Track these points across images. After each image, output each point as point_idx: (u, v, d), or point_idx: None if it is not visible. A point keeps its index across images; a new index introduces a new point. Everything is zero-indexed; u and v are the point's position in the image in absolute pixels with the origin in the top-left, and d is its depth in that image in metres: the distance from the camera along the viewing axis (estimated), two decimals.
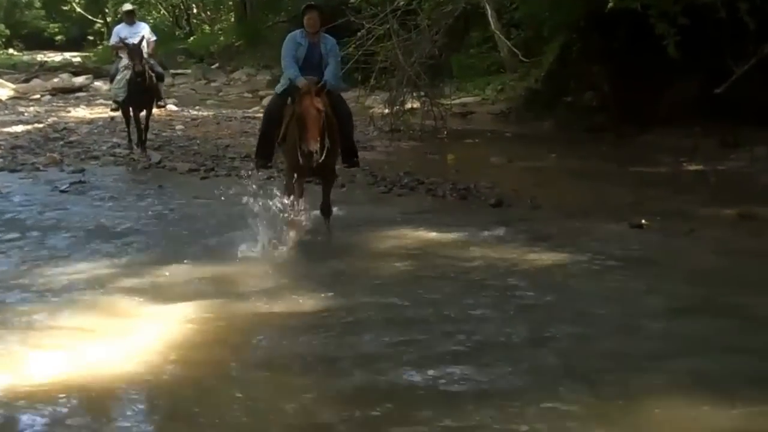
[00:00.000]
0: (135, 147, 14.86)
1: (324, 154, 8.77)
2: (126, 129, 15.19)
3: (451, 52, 18.86)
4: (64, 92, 24.27)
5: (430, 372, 6.02)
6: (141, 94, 14.33)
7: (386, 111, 16.94)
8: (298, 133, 8.65)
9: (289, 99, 9.16)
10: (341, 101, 9.57)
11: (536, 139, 15.30)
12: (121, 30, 15.03)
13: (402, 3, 16.67)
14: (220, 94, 23.84)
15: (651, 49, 14.42)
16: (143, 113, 14.90)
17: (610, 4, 13.46)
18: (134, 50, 14.28)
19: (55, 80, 25.65)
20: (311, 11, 9.31)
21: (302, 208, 9.05)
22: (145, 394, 5.76)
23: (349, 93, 20.08)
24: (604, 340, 6.56)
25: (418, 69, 16.60)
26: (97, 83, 25.75)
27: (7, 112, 20.49)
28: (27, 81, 26.04)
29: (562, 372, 5.98)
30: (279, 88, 9.55)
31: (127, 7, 15.68)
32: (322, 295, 7.69)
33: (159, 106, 15.29)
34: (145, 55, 14.52)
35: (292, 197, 9.00)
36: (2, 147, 15.33)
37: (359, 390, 5.77)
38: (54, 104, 22.13)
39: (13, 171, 13.34)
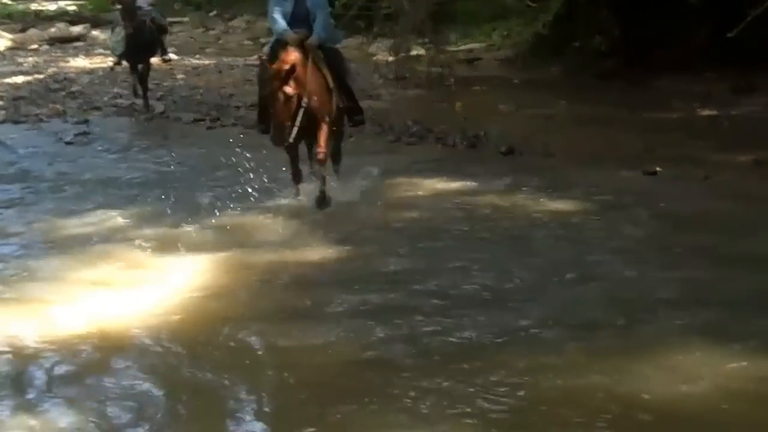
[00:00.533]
0: (136, 97, 14.66)
1: (294, 132, 8.16)
2: (130, 79, 14.93)
3: None
4: (62, 42, 24.14)
5: (446, 320, 6.19)
6: (139, 48, 13.88)
7: (391, 58, 16.89)
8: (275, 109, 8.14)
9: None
10: (337, 55, 9.10)
11: (545, 85, 15.29)
12: None
13: None
14: (220, 42, 23.75)
15: None
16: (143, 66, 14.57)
17: None
18: (127, 8, 13.69)
19: (52, 30, 25.41)
20: None
21: (300, 173, 8.86)
22: (161, 343, 5.91)
23: (352, 40, 20.10)
24: (613, 287, 6.69)
25: (424, 15, 16.54)
26: (95, 32, 25.61)
27: (5, 62, 20.45)
28: (23, 31, 25.85)
29: (566, 318, 6.16)
30: (266, 48, 9.22)
31: None
32: (335, 245, 7.86)
33: (164, 60, 14.89)
34: (147, 6, 14.06)
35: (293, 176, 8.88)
36: (4, 98, 15.35)
37: (373, 341, 5.91)
38: (52, 54, 22.05)
39: (16, 122, 13.40)
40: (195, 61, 19.83)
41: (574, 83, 15.19)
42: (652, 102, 13.45)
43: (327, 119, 8.61)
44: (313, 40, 8.66)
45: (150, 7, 14.21)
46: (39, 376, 5.46)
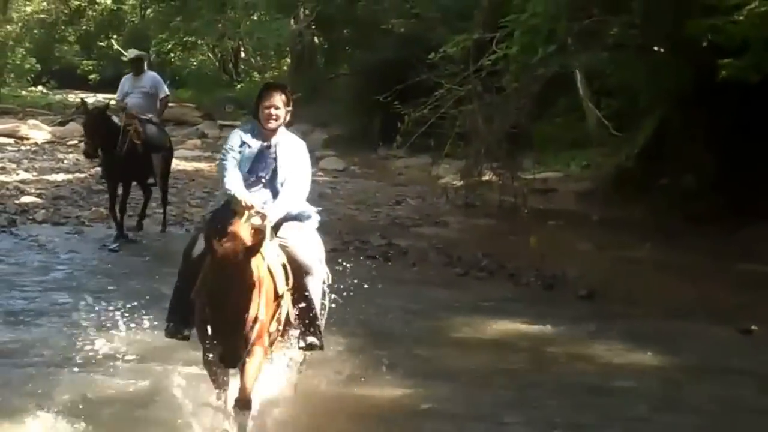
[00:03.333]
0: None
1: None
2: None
3: (534, 120, 19.04)
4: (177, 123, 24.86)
5: None
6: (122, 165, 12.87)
7: (459, 183, 17.19)
8: (210, 315, 6.15)
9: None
10: (301, 245, 6.94)
11: (627, 225, 15.42)
12: (125, 83, 13.63)
13: (487, 63, 16.85)
14: None
15: (765, 128, 14.47)
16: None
17: (723, 73, 13.45)
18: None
19: None
20: (274, 93, 6.98)
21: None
22: None
23: (418, 160, 20.54)
24: None
25: (499, 137, 16.84)
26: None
27: (45, 157, 21.13)
28: (63, 124, 26.70)
29: None
30: (210, 208, 7.37)
31: (132, 53, 14.45)
32: (393, 383, 8.05)
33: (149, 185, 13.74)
34: (150, 116, 13.29)
35: (218, 391, 6.75)
36: (44, 197, 15.87)
37: None
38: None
39: (57, 224, 13.77)
40: None
41: (660, 225, 15.29)
42: (748, 252, 13.47)
43: (265, 343, 6.54)
44: (274, 211, 6.71)
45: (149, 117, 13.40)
46: None
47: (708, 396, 7.95)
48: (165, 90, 13.77)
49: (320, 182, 18.83)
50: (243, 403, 6.42)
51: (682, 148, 16.69)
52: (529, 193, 17.37)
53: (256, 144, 6.95)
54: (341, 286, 10.65)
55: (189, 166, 20.34)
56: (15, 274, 11.10)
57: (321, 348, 7.19)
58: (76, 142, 24.35)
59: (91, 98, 34.41)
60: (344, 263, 11.85)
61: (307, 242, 7.06)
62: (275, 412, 7.08)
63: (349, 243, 13.38)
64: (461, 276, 12.02)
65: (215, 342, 6.09)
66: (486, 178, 17.51)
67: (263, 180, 6.96)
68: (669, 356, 8.96)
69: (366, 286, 11.06)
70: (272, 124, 6.92)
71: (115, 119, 13.02)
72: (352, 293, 10.56)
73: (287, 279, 6.75)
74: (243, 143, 6.95)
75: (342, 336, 9.11)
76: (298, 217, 7.07)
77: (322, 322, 7.21)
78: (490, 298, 10.91)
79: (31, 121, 25.83)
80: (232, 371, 6.53)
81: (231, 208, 6.76)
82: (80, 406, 6.95)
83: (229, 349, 6.01)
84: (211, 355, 6.26)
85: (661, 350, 9.09)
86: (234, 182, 6.83)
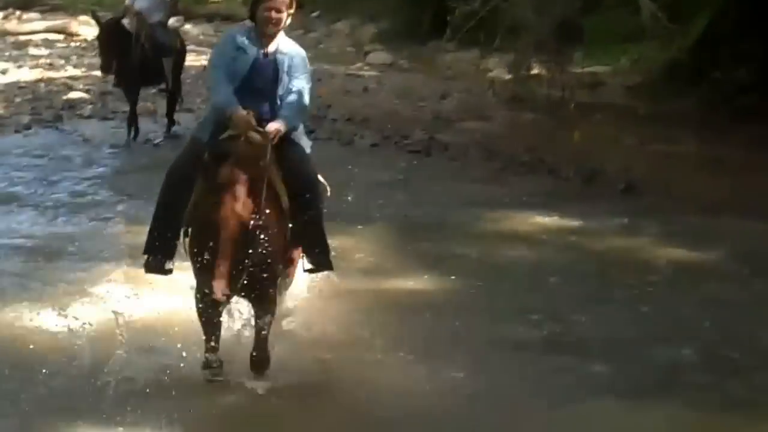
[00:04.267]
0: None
1: (242, 276, 5.73)
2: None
3: (585, 14, 18.78)
4: (225, 19, 24.85)
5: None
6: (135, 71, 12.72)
7: (508, 76, 17.08)
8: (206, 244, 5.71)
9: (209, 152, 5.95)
10: (303, 160, 6.49)
11: (675, 119, 15.25)
12: None
13: None
14: (320, 46, 24.14)
15: None
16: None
17: None
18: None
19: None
20: None
21: (218, 362, 6.17)
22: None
23: (468, 54, 20.38)
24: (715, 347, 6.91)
25: (549, 31, 16.65)
26: (187, 26, 26.32)
27: (94, 53, 21.18)
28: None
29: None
30: (199, 129, 6.58)
31: None
32: (428, 276, 8.25)
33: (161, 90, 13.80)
34: (158, 19, 13.00)
35: (208, 345, 6.14)
36: (92, 92, 16.07)
37: (466, 377, 6.31)
38: (208, 33, 22.90)
39: (103, 119, 13.94)
40: None
41: (709, 119, 15.16)
42: None
43: (275, 272, 6.14)
44: (277, 125, 6.10)
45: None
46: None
47: (739, 288, 8.03)
48: None
49: (366, 77, 18.92)
50: (258, 360, 6.20)
51: (736, 41, 16.47)
52: (577, 87, 17.23)
53: (252, 51, 6.23)
54: (378, 181, 10.91)
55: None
56: (59, 169, 11.37)
57: (330, 268, 6.63)
58: None
59: None
60: (384, 157, 12.15)
61: (307, 157, 6.55)
62: (307, 308, 7.24)
63: (389, 137, 13.47)
64: (500, 171, 12.07)
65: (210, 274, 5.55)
66: (534, 72, 17.39)
67: (261, 92, 6.25)
68: (703, 251, 9.02)
69: (403, 179, 11.32)
70: (272, 29, 6.20)
71: (125, 24, 12.77)
72: (389, 187, 10.81)
73: (293, 203, 6.23)
74: (238, 48, 6.23)
75: (376, 229, 9.31)
76: (297, 132, 6.49)
77: (326, 238, 6.55)
78: (528, 193, 11.00)
79: (82, 17, 25.87)
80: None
81: (226, 126, 6.13)
82: (113, 299, 7.13)
83: (222, 275, 5.49)
84: (206, 291, 5.66)
85: (696, 245, 9.16)
86: (226, 96, 6.16)
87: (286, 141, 6.25)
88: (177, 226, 6.12)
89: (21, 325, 6.90)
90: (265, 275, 5.93)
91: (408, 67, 20.43)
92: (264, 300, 6.13)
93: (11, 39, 22.52)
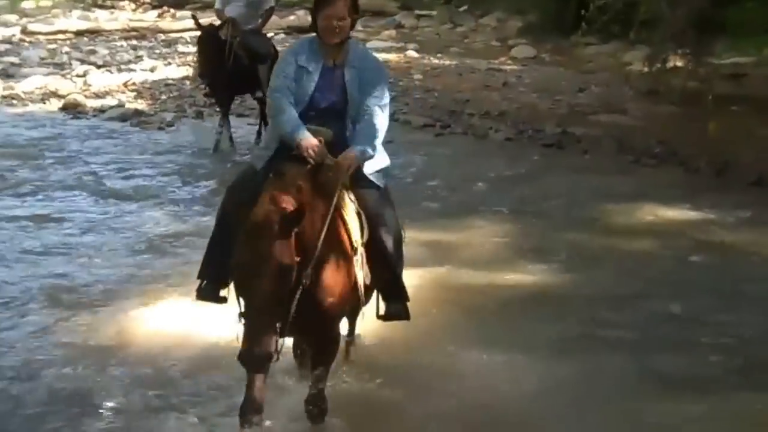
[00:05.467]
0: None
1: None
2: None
3: (726, 5, 18.54)
4: (299, 32, 25.23)
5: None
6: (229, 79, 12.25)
7: (645, 69, 17.00)
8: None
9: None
10: (380, 196, 5.67)
11: None
12: None
13: None
14: (466, 40, 24.33)
15: None
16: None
17: None
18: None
19: (291, 18, 26.48)
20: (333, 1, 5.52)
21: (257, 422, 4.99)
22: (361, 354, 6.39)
23: (612, 47, 20.33)
24: None
25: (685, 23, 16.52)
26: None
27: None
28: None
29: None
30: (258, 155, 5.76)
31: None
32: (547, 268, 8.34)
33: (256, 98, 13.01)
34: (251, 27, 12.51)
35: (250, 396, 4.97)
36: None
37: (584, 375, 6.29)
38: (287, 44, 23.17)
39: (239, 116, 14.33)
40: (435, 61, 20.57)
41: None
42: None
43: (338, 313, 5.38)
44: (351, 156, 5.38)
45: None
46: None
47: None
48: (271, 1, 12.78)
49: (507, 71, 19.04)
50: (315, 404, 5.39)
51: None
52: (716, 78, 17.05)
53: (316, 68, 5.51)
54: (508, 174, 11.10)
55: (378, 57, 20.68)
56: (196, 166, 11.80)
57: (406, 318, 5.83)
58: (272, 34, 24.89)
59: None
60: (516, 151, 12.33)
61: (387, 194, 5.76)
62: (419, 298, 7.32)
63: (524, 131, 13.58)
64: (632, 163, 12.04)
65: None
66: (672, 64, 17.26)
67: (329, 114, 5.51)
68: None
69: (533, 172, 11.48)
70: (335, 39, 5.48)
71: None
72: (518, 180, 10.99)
73: (362, 230, 5.43)
74: (300, 68, 5.49)
75: (501, 222, 9.51)
76: (378, 162, 5.63)
77: (403, 284, 5.81)
78: (658, 185, 10.98)
79: None
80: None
81: (285, 151, 5.41)
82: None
83: (253, 344, 4.61)
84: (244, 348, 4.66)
85: None
86: (290, 120, 5.40)
87: (358, 174, 5.50)
88: (227, 252, 5.12)
89: (158, 320, 7.01)
90: (324, 320, 5.21)
91: (550, 61, 20.49)
92: (322, 345, 5.39)
93: (162, 37, 23.27)
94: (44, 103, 15.74)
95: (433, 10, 30.15)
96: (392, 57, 20.59)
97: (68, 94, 15.87)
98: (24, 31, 23.96)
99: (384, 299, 5.78)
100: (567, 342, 6.80)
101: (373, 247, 5.49)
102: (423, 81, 18.01)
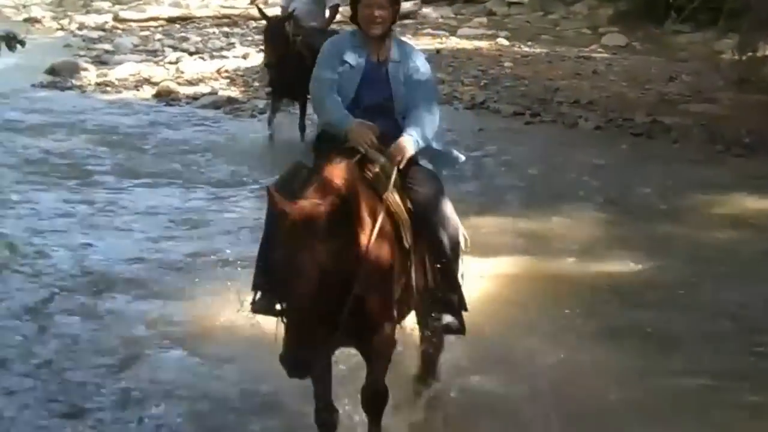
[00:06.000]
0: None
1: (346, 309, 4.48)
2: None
3: None
4: None
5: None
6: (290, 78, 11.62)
7: (735, 58, 16.85)
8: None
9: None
10: (437, 191, 5.30)
11: None
12: None
13: None
14: (557, 28, 24.22)
15: None
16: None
17: None
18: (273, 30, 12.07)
19: None
20: None
21: (333, 419, 5.01)
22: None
23: (705, 35, 20.17)
24: None
25: None
26: (426, 9, 26.80)
27: None
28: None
29: None
30: (304, 155, 5.50)
31: None
32: (638, 261, 8.32)
33: None
34: (315, 24, 12.21)
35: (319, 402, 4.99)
36: None
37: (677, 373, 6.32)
38: None
39: None
40: (526, 49, 20.57)
41: None
42: None
43: (391, 319, 4.93)
44: (405, 144, 5.13)
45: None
46: None
47: None
48: None
49: (597, 59, 18.97)
50: (372, 401, 5.00)
51: None
52: None
53: (359, 62, 5.27)
54: (596, 163, 11.18)
55: (469, 44, 20.77)
56: (284, 154, 11.49)
57: (460, 332, 5.43)
58: None
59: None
60: (605, 140, 12.38)
61: (441, 188, 5.33)
62: (510, 287, 7.57)
63: (612, 121, 13.59)
64: (721, 153, 12.01)
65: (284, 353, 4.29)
66: (762, 53, 17.05)
67: (375, 111, 5.25)
68: None
69: (621, 162, 11.54)
70: (376, 30, 5.25)
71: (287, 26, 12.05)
72: (606, 169, 11.07)
73: (421, 240, 5.09)
74: (343, 63, 5.26)
75: (588, 211, 9.62)
76: (438, 155, 5.46)
77: (461, 293, 5.38)
78: (748, 175, 10.94)
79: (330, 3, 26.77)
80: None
81: (334, 140, 5.14)
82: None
83: (291, 349, 4.25)
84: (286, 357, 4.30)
85: None
86: (337, 110, 5.19)
87: (413, 165, 5.23)
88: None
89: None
90: (376, 327, 4.82)
91: (641, 49, 20.36)
92: (376, 350, 4.94)
93: (254, 24, 23.54)
94: (138, 90, 16.07)
95: None
96: (483, 44, 20.69)
97: (161, 81, 16.19)
98: (116, 19, 24.35)
99: (436, 309, 5.29)
100: (655, 332, 6.84)
101: (426, 247, 5.11)
102: (513, 69, 18.00)
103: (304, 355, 4.26)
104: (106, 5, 27.44)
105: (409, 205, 5.08)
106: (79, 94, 15.83)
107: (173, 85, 15.97)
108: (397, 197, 5.00)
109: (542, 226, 9.16)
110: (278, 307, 4.79)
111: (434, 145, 5.39)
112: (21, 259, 8.16)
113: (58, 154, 11.89)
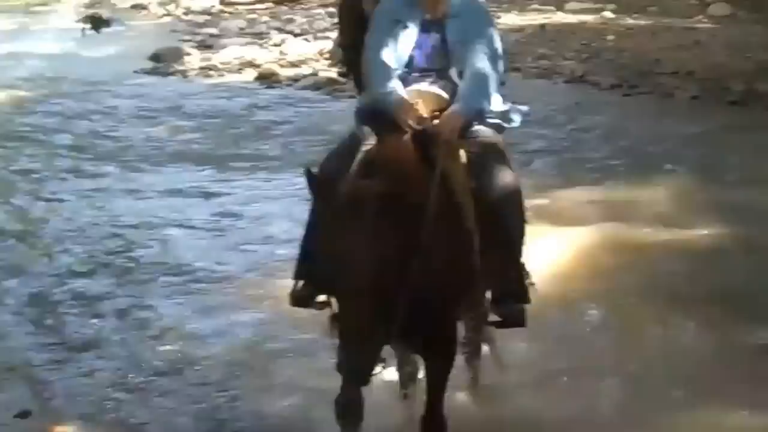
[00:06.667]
0: None
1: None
2: None
3: None
4: None
5: None
6: None
7: None
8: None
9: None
10: (496, 167, 4.72)
11: None
12: None
13: None
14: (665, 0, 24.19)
15: None
16: None
17: None
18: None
19: None
20: None
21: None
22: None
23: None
24: None
25: None
26: None
27: None
28: None
29: None
30: (355, 122, 4.95)
31: None
32: (724, 225, 8.50)
33: None
34: None
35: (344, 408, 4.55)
36: None
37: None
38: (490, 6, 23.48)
39: None
40: (630, 21, 20.54)
41: None
42: None
43: (455, 308, 4.56)
44: (457, 113, 4.64)
45: None
46: None
47: None
48: None
49: (701, 29, 18.90)
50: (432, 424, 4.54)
51: None
52: None
53: (414, 20, 4.79)
54: (688, 132, 11.31)
55: (574, 18, 20.83)
56: None
57: (521, 324, 4.82)
58: None
59: None
60: (701, 110, 12.44)
61: (505, 159, 4.80)
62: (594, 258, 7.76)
63: (709, 90, 13.64)
64: None
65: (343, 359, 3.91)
66: None
67: (432, 72, 4.84)
68: None
69: (715, 131, 11.62)
70: None
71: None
72: (698, 139, 11.19)
73: (485, 221, 4.53)
74: (397, 22, 4.79)
75: (678, 179, 9.84)
76: (490, 120, 4.87)
77: (524, 284, 4.84)
78: None
79: None
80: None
81: (382, 116, 4.63)
82: None
83: (349, 356, 3.86)
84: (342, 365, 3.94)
85: None
86: (386, 78, 4.70)
87: (471, 137, 4.71)
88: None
89: None
90: (439, 318, 4.36)
91: (746, 19, 20.19)
92: (438, 347, 4.51)
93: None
94: (240, 73, 16.29)
95: None
96: (588, 18, 20.72)
97: (264, 64, 16.40)
98: (222, 2, 24.36)
99: (494, 297, 4.77)
100: (747, 300, 6.88)
101: (486, 227, 4.52)
102: (616, 42, 18.02)
103: (365, 362, 3.85)
104: None
105: (472, 183, 4.59)
106: (181, 79, 16.18)
107: (275, 67, 16.14)
108: (454, 172, 4.51)
109: (632, 194, 9.40)
110: (322, 298, 4.57)
111: (487, 107, 4.80)
112: None
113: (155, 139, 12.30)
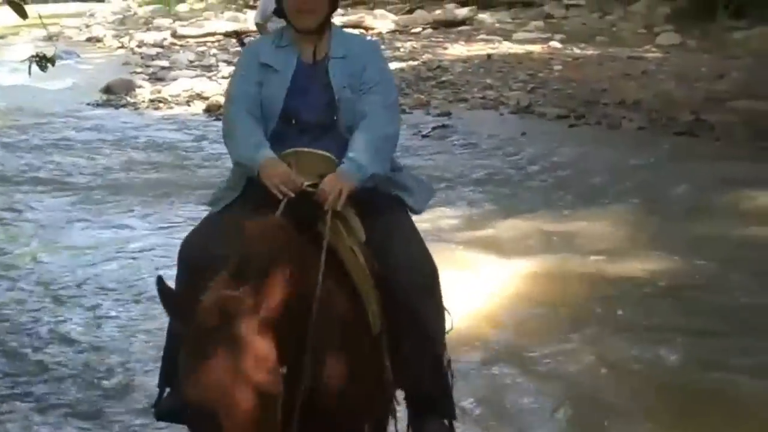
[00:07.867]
0: None
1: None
2: None
3: None
4: (446, 26, 25.55)
5: None
6: None
7: None
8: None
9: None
10: (403, 241, 3.93)
11: None
12: None
13: None
14: (613, 29, 24.20)
15: None
16: None
17: None
18: None
19: (438, 12, 26.70)
20: None
21: None
22: (480, 340, 6.58)
23: (754, 31, 20.04)
24: None
25: None
26: (482, 15, 26.89)
27: (383, 47, 22.26)
28: (410, 12, 27.61)
29: None
30: (219, 197, 4.15)
31: None
32: (667, 258, 8.32)
33: None
34: None
35: None
36: None
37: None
38: (432, 39, 23.55)
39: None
40: (578, 51, 20.62)
41: None
42: None
43: (360, 426, 3.68)
44: (344, 177, 3.77)
45: None
46: None
47: None
48: None
49: (648, 59, 19.01)
50: None
51: None
52: None
53: (288, 63, 4.00)
54: (636, 163, 11.21)
55: (521, 49, 20.88)
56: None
57: None
58: (419, 29, 25.29)
59: None
60: (648, 140, 12.38)
61: (411, 229, 4.01)
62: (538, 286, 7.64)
63: (656, 120, 13.61)
64: (764, 150, 11.86)
65: None
66: None
67: (313, 125, 3.97)
68: None
69: (660, 161, 11.55)
70: (308, 21, 3.97)
71: None
72: (643, 169, 11.10)
73: (387, 309, 3.74)
74: (264, 67, 4.00)
75: (621, 210, 9.69)
76: (391, 185, 4.04)
77: (450, 393, 4.05)
78: None
79: (378, 11, 26.97)
80: None
81: (250, 186, 3.90)
82: None
83: None
84: None
85: None
86: (248, 143, 3.88)
87: (370, 205, 3.89)
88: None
89: None
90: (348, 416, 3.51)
91: (694, 47, 20.31)
92: None
93: None
94: (189, 105, 16.44)
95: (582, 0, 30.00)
96: (535, 48, 20.79)
97: (212, 96, 16.48)
98: (174, 35, 24.89)
99: (414, 413, 3.97)
100: (694, 332, 6.75)
101: (405, 327, 3.80)
102: (562, 72, 18.10)
103: None
104: (166, 22, 28.01)
105: (374, 264, 3.79)
106: (132, 111, 16.19)
107: (223, 100, 16.10)
108: (359, 257, 3.73)
109: (576, 226, 9.21)
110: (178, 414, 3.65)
111: (385, 169, 3.95)
112: None
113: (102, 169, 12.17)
